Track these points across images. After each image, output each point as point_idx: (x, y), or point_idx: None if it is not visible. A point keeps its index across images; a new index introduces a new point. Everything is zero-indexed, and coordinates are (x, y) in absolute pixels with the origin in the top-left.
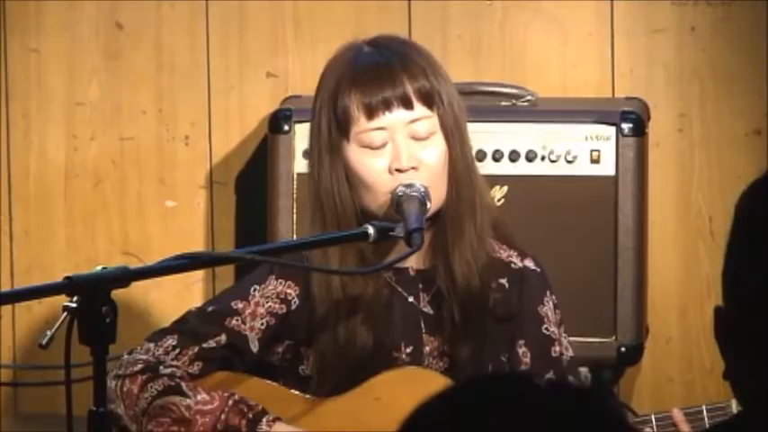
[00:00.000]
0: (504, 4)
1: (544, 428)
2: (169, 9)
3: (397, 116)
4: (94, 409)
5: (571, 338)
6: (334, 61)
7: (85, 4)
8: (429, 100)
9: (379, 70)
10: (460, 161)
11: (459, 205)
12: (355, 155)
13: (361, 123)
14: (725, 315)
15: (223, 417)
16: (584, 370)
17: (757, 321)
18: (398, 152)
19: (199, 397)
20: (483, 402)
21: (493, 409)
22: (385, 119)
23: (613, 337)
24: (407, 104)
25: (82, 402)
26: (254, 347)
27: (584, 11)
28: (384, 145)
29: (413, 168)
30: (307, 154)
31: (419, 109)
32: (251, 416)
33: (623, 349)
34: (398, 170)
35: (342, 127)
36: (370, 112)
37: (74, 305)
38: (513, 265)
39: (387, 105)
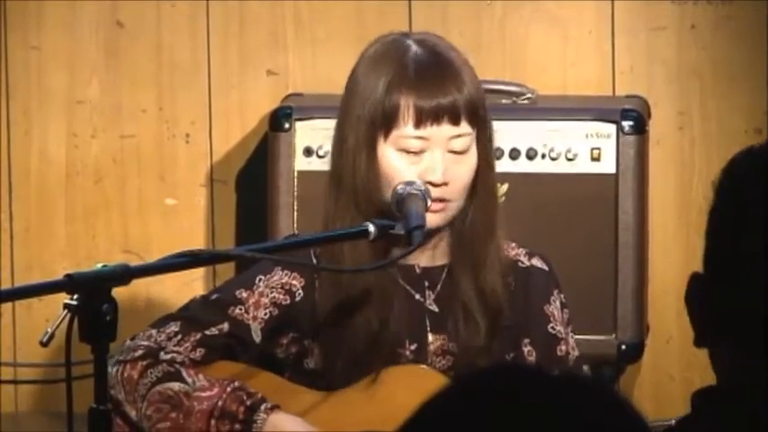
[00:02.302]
0: (504, 3)
1: (554, 421)
2: (170, 7)
3: (443, 130)
4: (95, 406)
5: None
6: (381, 53)
7: (86, 3)
8: (474, 117)
9: (436, 77)
10: (488, 180)
11: (483, 224)
12: (389, 155)
13: (407, 129)
14: (700, 283)
15: (220, 403)
16: (584, 368)
17: (732, 294)
18: (435, 166)
19: (198, 384)
20: (489, 396)
21: (498, 402)
22: (431, 130)
23: (614, 335)
24: (455, 119)
25: (82, 400)
26: (257, 337)
27: (585, 9)
28: (420, 152)
29: (444, 184)
30: (308, 152)
31: (463, 125)
32: (249, 403)
33: (623, 347)
34: (431, 183)
35: (386, 123)
36: (419, 120)
37: (74, 303)
38: (520, 264)
39: (436, 117)
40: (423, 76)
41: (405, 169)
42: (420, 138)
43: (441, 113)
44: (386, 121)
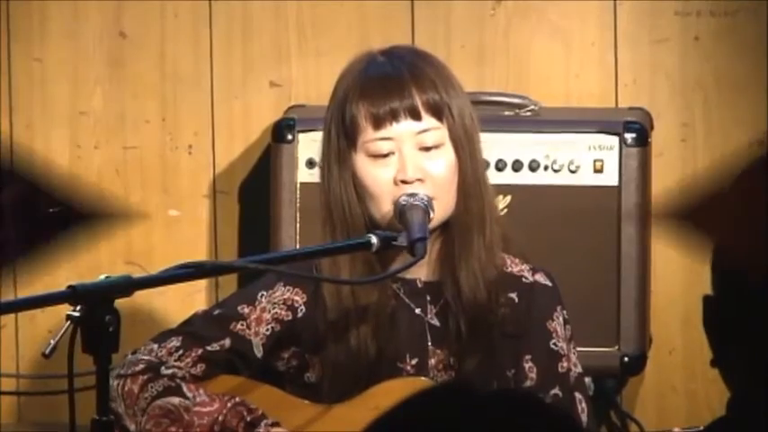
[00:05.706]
0: (508, 14)
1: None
2: (173, 18)
3: (404, 127)
4: (97, 417)
5: None
6: (346, 71)
7: (89, 14)
8: (438, 112)
9: (388, 81)
10: (470, 174)
11: (468, 218)
12: (362, 164)
13: (368, 133)
14: (711, 303)
15: (221, 418)
16: (587, 380)
17: (741, 310)
18: (404, 163)
19: (198, 399)
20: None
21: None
22: (392, 129)
23: (616, 347)
24: (415, 115)
25: (85, 411)
26: (259, 353)
27: (588, 20)
28: (391, 154)
29: (418, 180)
30: (310, 163)
31: (427, 120)
32: (249, 419)
33: (626, 359)
34: (404, 181)
35: (349, 136)
36: (377, 123)
37: (77, 314)
38: (523, 279)
39: (394, 116)
40: (376, 81)
41: (378, 174)
42: (384, 139)
43: (398, 112)
44: (349, 133)
